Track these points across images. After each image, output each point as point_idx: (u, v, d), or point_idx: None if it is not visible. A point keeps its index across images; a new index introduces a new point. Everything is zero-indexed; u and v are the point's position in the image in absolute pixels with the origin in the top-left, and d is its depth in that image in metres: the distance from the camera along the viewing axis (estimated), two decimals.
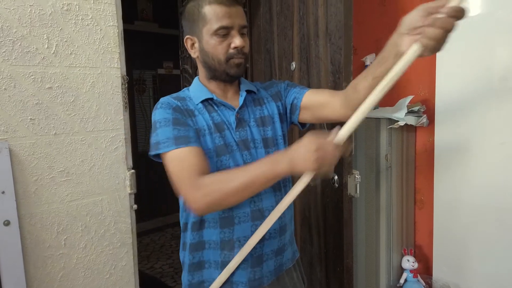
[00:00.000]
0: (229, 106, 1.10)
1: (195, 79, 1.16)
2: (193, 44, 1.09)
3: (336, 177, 1.61)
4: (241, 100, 1.12)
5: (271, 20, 1.98)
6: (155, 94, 4.33)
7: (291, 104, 1.17)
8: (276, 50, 1.97)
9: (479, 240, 1.77)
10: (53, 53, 1.38)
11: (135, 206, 1.63)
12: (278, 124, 1.15)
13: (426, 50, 0.76)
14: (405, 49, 0.80)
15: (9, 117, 1.31)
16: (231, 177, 0.92)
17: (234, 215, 1.06)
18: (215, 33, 1.02)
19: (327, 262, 1.78)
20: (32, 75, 1.35)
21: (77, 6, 1.42)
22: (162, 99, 1.08)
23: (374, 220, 2.06)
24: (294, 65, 1.83)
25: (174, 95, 1.13)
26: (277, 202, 1.02)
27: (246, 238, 1.05)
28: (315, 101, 1.14)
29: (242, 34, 1.05)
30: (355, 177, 1.57)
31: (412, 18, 0.77)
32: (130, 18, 3.93)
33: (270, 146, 1.12)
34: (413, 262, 2.06)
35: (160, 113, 1.03)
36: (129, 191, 1.59)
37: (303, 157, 0.84)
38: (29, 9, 1.32)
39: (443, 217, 1.89)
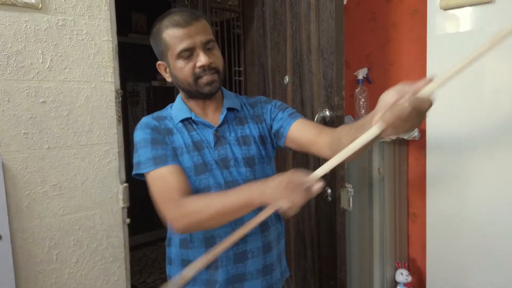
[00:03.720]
0: (207, 124, 1.08)
1: (178, 96, 1.15)
2: (165, 69, 1.08)
3: (329, 191, 1.62)
4: (221, 117, 1.09)
5: (265, 35, 2.01)
6: (148, 106, 4.33)
7: (277, 130, 1.13)
8: (269, 64, 1.99)
9: (472, 253, 1.78)
10: (47, 68, 1.39)
11: (128, 220, 1.62)
12: (259, 145, 1.12)
13: (387, 128, 0.72)
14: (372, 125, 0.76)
15: (3, 131, 1.31)
16: (209, 203, 0.94)
17: (215, 235, 1.06)
18: (179, 56, 1.00)
19: (320, 276, 1.78)
20: (26, 89, 1.35)
21: (72, 22, 1.44)
22: (142, 120, 1.10)
23: (367, 233, 2.07)
24: (287, 79, 1.85)
25: (155, 114, 1.13)
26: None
27: (228, 258, 1.05)
28: (301, 139, 1.09)
29: (208, 49, 1.02)
30: (348, 190, 1.58)
31: (386, 96, 0.73)
32: (124, 31, 3.95)
33: (251, 165, 1.09)
34: (407, 276, 2.07)
35: (139, 134, 1.06)
36: (122, 205, 1.59)
37: (274, 185, 0.85)
38: (25, 24, 1.33)
39: (436, 230, 1.90)
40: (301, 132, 1.09)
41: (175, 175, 1.00)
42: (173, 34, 0.99)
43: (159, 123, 1.08)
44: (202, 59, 0.99)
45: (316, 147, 1.05)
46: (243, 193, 0.91)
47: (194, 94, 1.06)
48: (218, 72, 1.04)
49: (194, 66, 1.01)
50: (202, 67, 1.00)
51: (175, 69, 1.03)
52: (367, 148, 0.86)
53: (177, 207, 0.95)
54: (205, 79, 1.01)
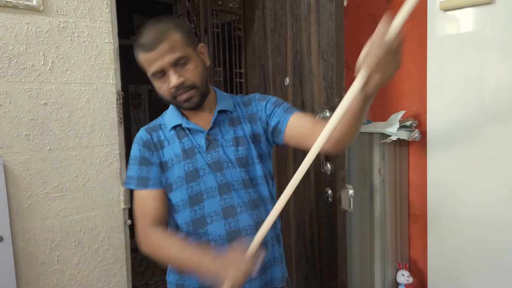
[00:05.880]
0: (198, 129, 1.09)
1: None
2: None
3: (330, 192, 1.62)
4: (212, 120, 1.10)
5: (265, 37, 2.02)
6: (151, 109, 4.33)
7: (275, 127, 1.11)
8: (270, 66, 2.00)
9: (473, 255, 1.77)
10: (49, 70, 1.40)
11: (129, 221, 1.62)
12: (252, 145, 1.12)
13: (372, 74, 0.75)
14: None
15: (4, 133, 1.32)
16: (167, 250, 1.03)
17: (210, 239, 1.07)
18: (153, 77, 1.01)
19: (321, 277, 1.77)
20: (27, 91, 1.36)
21: (74, 24, 1.44)
22: (138, 133, 1.14)
23: (368, 234, 2.06)
24: (288, 81, 1.85)
25: (151, 124, 1.15)
26: (253, 221, 1.07)
27: None
28: (297, 134, 1.08)
29: (181, 66, 1.00)
30: (348, 191, 1.58)
31: (360, 55, 0.76)
32: (126, 33, 3.96)
33: (245, 165, 1.10)
34: (408, 277, 2.06)
35: (133, 149, 1.12)
36: (123, 206, 1.59)
37: (218, 265, 0.92)
38: (26, 26, 1.34)
39: (437, 231, 1.90)
40: (297, 126, 1.09)
41: (153, 201, 1.09)
42: (143, 58, 1.00)
43: (152, 136, 1.11)
44: (172, 80, 0.99)
45: (312, 139, 1.00)
46: (197, 258, 0.98)
47: (178, 107, 1.10)
48: (195, 87, 1.03)
49: (169, 87, 1.01)
50: (175, 87, 1.00)
51: (155, 87, 1.05)
52: (362, 114, 0.88)
53: (145, 234, 1.07)
54: (181, 97, 1.02)
